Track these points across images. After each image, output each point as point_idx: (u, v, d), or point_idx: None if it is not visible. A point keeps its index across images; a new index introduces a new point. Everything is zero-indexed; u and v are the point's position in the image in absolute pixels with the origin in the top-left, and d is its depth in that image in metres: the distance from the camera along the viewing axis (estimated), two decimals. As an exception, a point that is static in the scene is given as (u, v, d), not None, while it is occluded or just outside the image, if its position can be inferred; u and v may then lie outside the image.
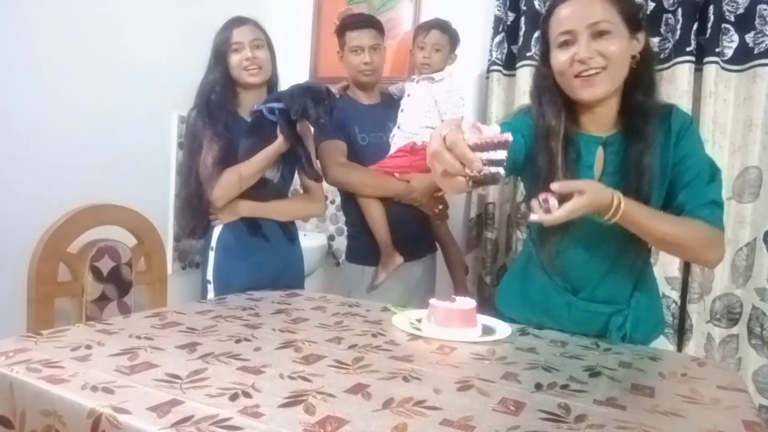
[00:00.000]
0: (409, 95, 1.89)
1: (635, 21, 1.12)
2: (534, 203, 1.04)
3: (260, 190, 1.66)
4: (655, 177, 1.13)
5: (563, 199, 1.01)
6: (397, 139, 1.87)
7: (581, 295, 1.25)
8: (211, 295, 1.66)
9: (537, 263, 1.30)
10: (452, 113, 1.82)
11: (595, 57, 1.09)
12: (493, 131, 0.83)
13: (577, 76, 1.11)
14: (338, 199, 2.37)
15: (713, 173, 1.15)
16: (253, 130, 1.64)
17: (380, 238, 1.84)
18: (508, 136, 0.82)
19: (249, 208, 1.66)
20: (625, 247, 1.16)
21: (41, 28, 1.62)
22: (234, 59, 1.64)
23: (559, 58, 1.13)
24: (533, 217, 1.03)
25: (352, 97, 1.94)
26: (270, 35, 1.74)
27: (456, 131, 0.84)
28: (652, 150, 1.12)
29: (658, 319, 1.33)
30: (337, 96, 1.97)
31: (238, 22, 1.67)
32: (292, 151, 1.66)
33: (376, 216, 1.84)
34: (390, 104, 1.94)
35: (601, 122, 1.19)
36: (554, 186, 1.01)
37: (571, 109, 1.18)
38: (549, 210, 1.01)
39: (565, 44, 1.12)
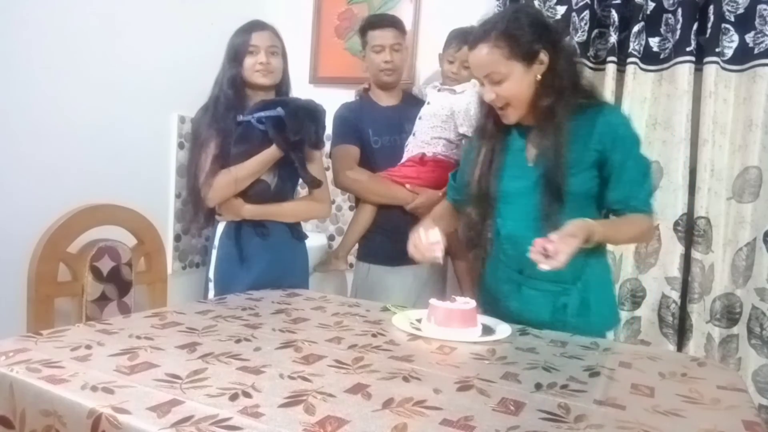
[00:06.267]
0: (429, 103, 1.90)
1: (528, 54, 1.23)
2: (536, 255, 1.10)
3: (258, 193, 1.66)
4: (571, 164, 1.24)
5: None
6: (411, 147, 1.88)
7: (527, 272, 1.30)
8: (211, 293, 1.67)
9: (496, 254, 1.42)
10: (468, 126, 1.81)
11: (497, 97, 1.26)
12: (435, 237, 1.29)
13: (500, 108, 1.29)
14: (338, 200, 2.38)
15: (647, 167, 1.30)
16: (242, 138, 1.64)
17: (349, 240, 1.94)
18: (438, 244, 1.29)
19: (252, 211, 1.65)
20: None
21: (40, 29, 1.62)
22: (248, 61, 1.65)
23: (481, 94, 1.33)
24: (544, 266, 1.10)
25: (372, 99, 1.96)
26: None
27: (429, 232, 1.29)
28: (567, 140, 1.23)
29: (611, 310, 1.41)
30: (357, 98, 2.00)
31: (259, 27, 1.67)
32: (288, 156, 1.66)
33: (362, 221, 1.90)
34: (410, 105, 1.95)
35: (526, 117, 1.31)
36: (553, 236, 1.10)
37: None
38: (549, 256, 1.08)
39: (481, 83, 1.30)
